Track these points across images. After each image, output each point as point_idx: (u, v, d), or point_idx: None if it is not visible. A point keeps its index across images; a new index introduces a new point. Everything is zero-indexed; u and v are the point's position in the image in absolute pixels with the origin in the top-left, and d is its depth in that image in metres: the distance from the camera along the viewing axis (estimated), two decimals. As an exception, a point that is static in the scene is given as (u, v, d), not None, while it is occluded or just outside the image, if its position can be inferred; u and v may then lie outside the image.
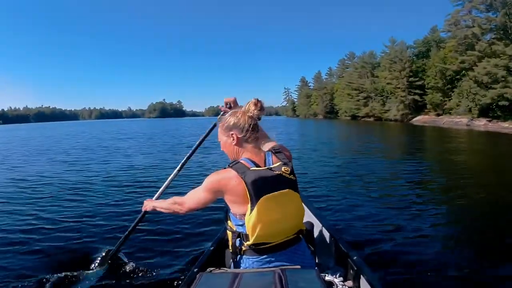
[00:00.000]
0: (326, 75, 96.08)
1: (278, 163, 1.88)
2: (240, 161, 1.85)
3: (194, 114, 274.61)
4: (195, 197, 1.99)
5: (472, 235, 4.52)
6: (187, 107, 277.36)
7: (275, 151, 1.98)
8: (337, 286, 2.05)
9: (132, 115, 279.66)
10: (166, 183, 3.00)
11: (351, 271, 2.29)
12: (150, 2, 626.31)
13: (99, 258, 3.42)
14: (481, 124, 32.57)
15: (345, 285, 2.09)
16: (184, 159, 3.05)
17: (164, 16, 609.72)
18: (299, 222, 1.97)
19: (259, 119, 1.97)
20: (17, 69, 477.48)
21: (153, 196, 2.93)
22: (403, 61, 51.19)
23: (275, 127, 38.07)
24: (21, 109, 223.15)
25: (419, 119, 46.43)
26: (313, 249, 2.23)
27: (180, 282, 2.37)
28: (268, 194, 1.76)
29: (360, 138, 22.18)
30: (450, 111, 40.40)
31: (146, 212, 2.72)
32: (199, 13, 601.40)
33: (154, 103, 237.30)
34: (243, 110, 1.96)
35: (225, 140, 1.98)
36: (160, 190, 2.98)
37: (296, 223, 1.93)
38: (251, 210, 1.75)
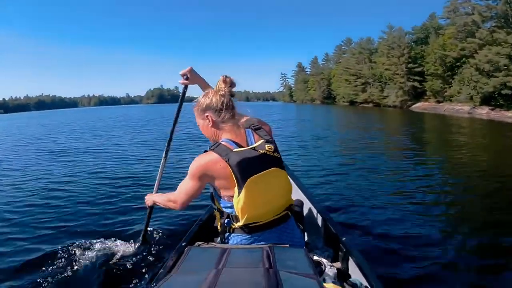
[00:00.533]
0: (322, 61, 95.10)
1: (260, 141, 1.85)
2: (221, 142, 1.81)
3: (191, 100, 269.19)
4: (184, 189, 1.92)
5: (470, 221, 4.57)
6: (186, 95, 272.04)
7: (255, 127, 1.94)
8: (325, 267, 1.99)
9: (130, 101, 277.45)
10: (158, 174, 2.93)
11: (340, 252, 2.28)
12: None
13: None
14: (484, 112, 32.32)
15: (333, 266, 2.04)
16: (166, 143, 2.92)
17: (162, 2, 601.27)
18: (288, 198, 1.97)
19: (232, 95, 1.93)
20: (18, 59, 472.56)
21: (151, 190, 2.95)
22: (401, 47, 50.68)
23: (270, 114, 37.54)
24: (22, 98, 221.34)
25: (419, 106, 46.14)
26: (302, 227, 2.21)
27: (167, 256, 2.35)
28: (255, 175, 1.74)
29: (360, 124, 22.14)
30: (451, 99, 40.17)
31: (151, 207, 2.83)
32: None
33: (152, 89, 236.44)
34: (214, 90, 1.93)
35: (202, 123, 1.95)
36: (156, 183, 2.93)
37: (285, 201, 1.93)
38: (239, 192, 1.73)
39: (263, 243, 1.81)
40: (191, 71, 2.33)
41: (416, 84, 48.80)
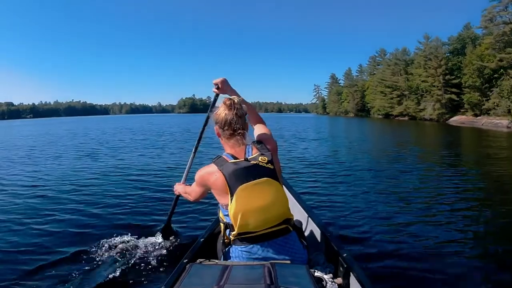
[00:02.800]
0: (356, 72, 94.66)
1: (256, 154, 1.94)
2: (222, 155, 1.97)
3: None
4: (192, 190, 2.26)
5: (483, 242, 4.25)
6: (216, 103, 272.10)
7: (257, 141, 2.05)
8: (326, 283, 1.99)
9: (162, 110, 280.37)
10: (187, 167, 3.24)
11: (341, 268, 2.27)
12: None
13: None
14: (522, 127, 30.66)
15: (335, 282, 2.03)
16: (196, 142, 3.24)
17: (193, 11, 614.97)
18: (283, 210, 1.99)
19: (244, 114, 2.03)
20: (49, 64, 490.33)
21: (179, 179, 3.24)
22: (438, 58, 49.34)
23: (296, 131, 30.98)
24: (52, 103, 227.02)
25: (456, 119, 44.57)
26: (305, 243, 2.21)
27: (170, 273, 2.27)
28: (245, 184, 1.84)
29: (400, 143, 20.76)
30: (489, 112, 38.70)
31: (177, 196, 3.29)
32: (228, 7, 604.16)
33: (184, 98, 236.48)
34: (226, 105, 2.01)
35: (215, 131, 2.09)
36: (184, 174, 3.22)
37: (279, 212, 1.96)
38: (231, 200, 1.85)
39: (263, 255, 1.89)
40: (224, 82, 2.45)
41: (453, 96, 47.21)
